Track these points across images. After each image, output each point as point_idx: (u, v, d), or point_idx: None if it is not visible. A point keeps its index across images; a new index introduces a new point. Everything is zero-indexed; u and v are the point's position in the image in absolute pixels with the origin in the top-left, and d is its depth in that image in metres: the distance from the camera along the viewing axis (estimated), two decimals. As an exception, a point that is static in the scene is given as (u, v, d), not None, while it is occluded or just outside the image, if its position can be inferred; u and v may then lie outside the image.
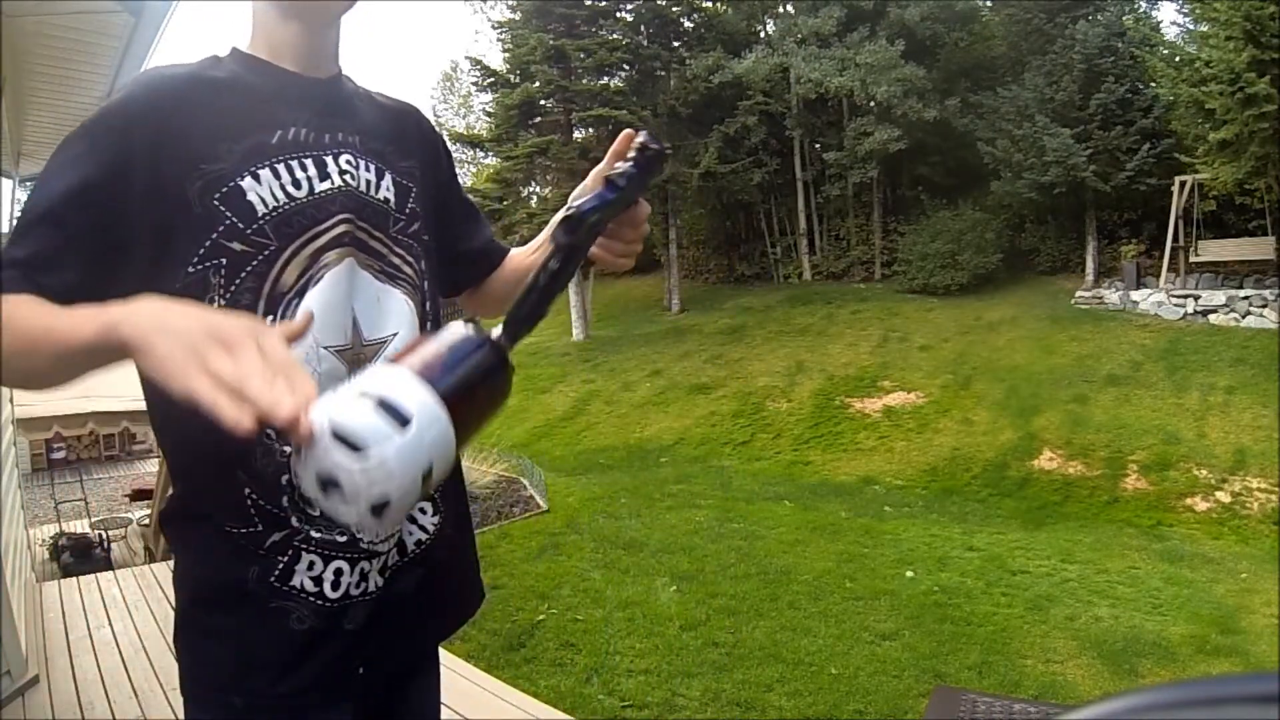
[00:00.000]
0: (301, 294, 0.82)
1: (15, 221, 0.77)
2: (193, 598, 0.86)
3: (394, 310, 0.90)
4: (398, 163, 0.94)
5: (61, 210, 0.75)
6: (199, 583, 0.86)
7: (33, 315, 0.68)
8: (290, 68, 0.89)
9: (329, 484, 0.55)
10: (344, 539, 0.85)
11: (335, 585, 0.84)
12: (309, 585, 0.83)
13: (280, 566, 0.82)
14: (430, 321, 0.96)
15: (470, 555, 1.06)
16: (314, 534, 0.84)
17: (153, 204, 0.77)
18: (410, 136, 1.00)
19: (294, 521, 0.83)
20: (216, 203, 0.79)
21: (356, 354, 0.86)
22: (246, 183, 0.80)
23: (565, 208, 0.77)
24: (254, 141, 0.83)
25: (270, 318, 0.81)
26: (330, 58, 0.92)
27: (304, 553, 0.83)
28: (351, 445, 0.53)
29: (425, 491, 0.59)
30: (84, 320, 0.63)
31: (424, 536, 0.95)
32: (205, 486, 0.83)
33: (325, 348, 0.83)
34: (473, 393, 0.62)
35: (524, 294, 0.72)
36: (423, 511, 0.95)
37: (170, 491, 0.88)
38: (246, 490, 0.82)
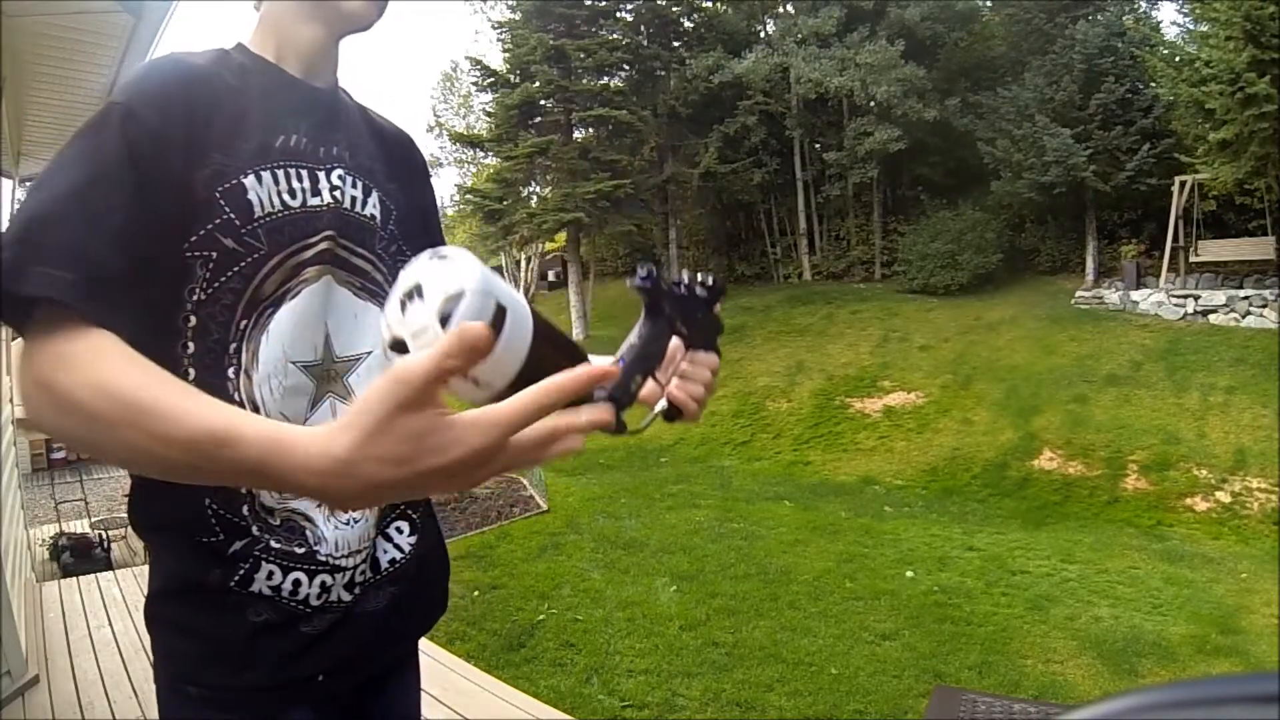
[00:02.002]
0: (277, 304, 0.82)
1: (29, 208, 0.70)
2: (158, 591, 0.87)
3: (370, 327, 0.90)
4: (385, 182, 0.95)
5: (96, 196, 0.70)
6: (164, 577, 0.87)
7: (143, 384, 0.58)
8: (294, 73, 0.89)
9: (414, 292, 0.55)
10: (302, 550, 0.85)
11: (294, 593, 0.85)
12: (266, 592, 0.84)
13: (241, 573, 0.83)
14: None
15: (442, 569, 1.06)
16: (274, 544, 0.84)
17: (164, 185, 0.75)
18: (398, 160, 1.00)
19: (254, 530, 0.84)
20: (219, 195, 0.79)
21: (326, 370, 0.87)
22: (249, 181, 0.80)
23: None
24: (260, 142, 0.83)
25: (245, 322, 0.81)
26: (332, 68, 0.93)
27: (264, 562, 0.84)
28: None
29: (495, 338, 0.53)
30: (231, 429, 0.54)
31: (398, 555, 0.95)
32: (165, 495, 0.81)
33: (293, 362, 0.84)
34: (555, 347, 0.60)
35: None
36: (399, 531, 0.96)
37: (136, 495, 0.88)
38: (206, 500, 0.82)
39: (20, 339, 0.67)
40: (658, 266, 0.73)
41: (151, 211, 0.73)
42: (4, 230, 0.69)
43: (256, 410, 0.82)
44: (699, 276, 0.77)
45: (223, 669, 0.84)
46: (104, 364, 0.60)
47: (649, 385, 0.75)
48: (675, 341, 0.77)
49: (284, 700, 0.87)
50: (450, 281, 0.55)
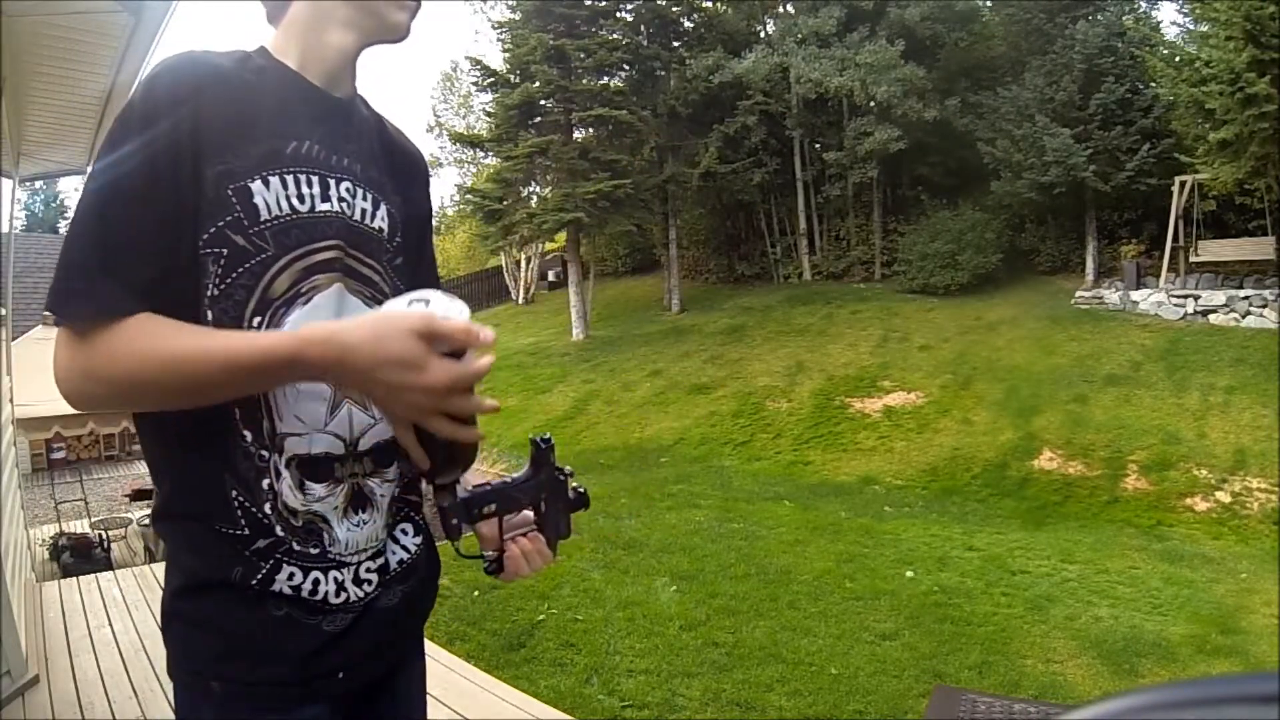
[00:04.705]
0: (290, 304, 0.85)
1: (71, 230, 0.80)
2: (179, 588, 0.88)
3: None
4: (392, 195, 0.97)
5: (122, 214, 0.78)
6: (186, 573, 0.88)
7: (178, 336, 0.77)
8: (315, 81, 0.91)
9: (424, 302, 0.80)
10: (316, 551, 0.88)
11: (313, 592, 0.88)
12: (287, 591, 0.86)
13: (262, 573, 0.85)
14: None
15: (438, 566, 1.10)
16: (295, 545, 0.87)
17: (180, 185, 0.80)
18: (404, 175, 1.03)
19: (278, 530, 0.86)
20: (230, 193, 0.81)
21: None
22: (256, 185, 0.83)
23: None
24: (270, 148, 0.85)
25: (259, 319, 0.84)
26: (350, 78, 0.95)
27: (285, 564, 0.86)
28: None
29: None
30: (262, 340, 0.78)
31: (406, 556, 0.99)
32: (192, 486, 0.85)
33: None
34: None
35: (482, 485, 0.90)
36: (404, 533, 1.00)
37: (158, 490, 0.91)
38: (233, 493, 0.84)
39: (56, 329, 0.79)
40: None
41: (172, 212, 0.79)
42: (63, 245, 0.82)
43: (270, 410, 0.85)
44: (577, 485, 0.98)
45: (247, 663, 0.86)
46: (145, 339, 0.77)
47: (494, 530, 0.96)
48: (530, 515, 0.96)
49: (305, 697, 0.89)
50: (449, 310, 0.79)
